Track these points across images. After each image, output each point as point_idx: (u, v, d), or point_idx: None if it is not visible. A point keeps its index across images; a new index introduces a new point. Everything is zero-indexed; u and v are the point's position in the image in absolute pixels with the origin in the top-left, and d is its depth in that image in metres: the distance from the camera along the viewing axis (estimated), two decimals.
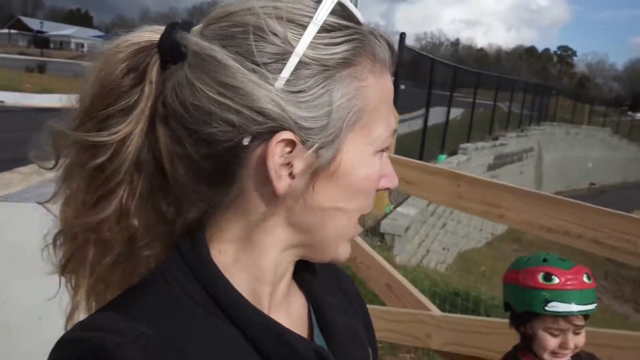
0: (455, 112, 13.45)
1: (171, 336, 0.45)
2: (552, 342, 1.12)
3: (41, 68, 24.08)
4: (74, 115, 0.50)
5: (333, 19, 0.46)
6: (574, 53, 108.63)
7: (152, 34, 0.50)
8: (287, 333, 0.49)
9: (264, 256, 0.50)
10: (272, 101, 0.44)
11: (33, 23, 65.54)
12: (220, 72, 0.44)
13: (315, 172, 0.47)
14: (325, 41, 0.45)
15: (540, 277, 1.12)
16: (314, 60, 0.45)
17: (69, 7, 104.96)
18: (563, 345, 1.12)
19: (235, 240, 0.50)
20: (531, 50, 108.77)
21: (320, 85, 0.45)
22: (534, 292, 1.11)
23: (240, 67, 0.44)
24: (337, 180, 0.48)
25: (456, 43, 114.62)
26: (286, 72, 0.44)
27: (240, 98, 0.44)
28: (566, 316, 1.10)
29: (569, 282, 1.10)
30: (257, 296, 0.50)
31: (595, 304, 1.11)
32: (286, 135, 0.45)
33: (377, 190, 0.52)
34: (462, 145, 10.85)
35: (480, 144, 11.93)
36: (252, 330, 0.48)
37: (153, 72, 0.48)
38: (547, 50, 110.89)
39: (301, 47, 0.44)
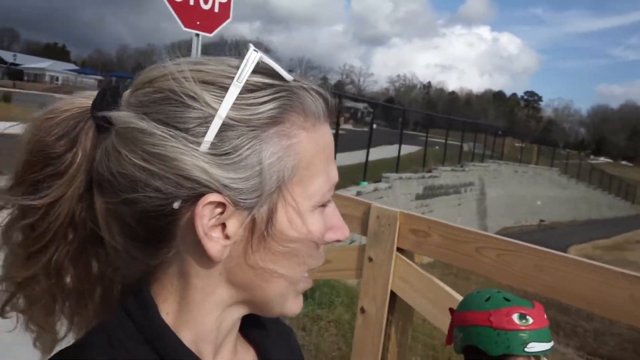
0: (410, 149, 15.25)
1: None
2: None
3: (7, 98, 24.51)
4: (10, 176, 0.50)
5: (257, 79, 0.46)
6: (539, 98, 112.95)
7: (85, 100, 0.50)
8: None
9: (206, 316, 0.50)
10: (196, 166, 0.44)
11: (6, 55, 66.03)
12: (144, 141, 0.44)
13: (251, 233, 0.47)
14: (250, 101, 0.45)
15: (516, 319, 1.08)
16: (238, 121, 0.44)
17: (46, 41, 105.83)
18: None
19: (177, 300, 0.50)
20: (499, 95, 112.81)
21: (247, 146, 0.45)
22: (512, 334, 1.07)
23: (162, 134, 0.44)
24: (273, 240, 0.47)
25: (428, 86, 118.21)
26: (210, 135, 0.44)
27: (164, 165, 0.44)
28: (537, 355, 1.09)
29: (538, 320, 1.09)
30: (201, 355, 0.50)
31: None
32: (213, 197, 0.45)
33: (326, 243, 0.51)
34: (384, 175, 11.59)
35: (407, 174, 12.70)
36: None
37: (87, 138, 0.49)
38: (514, 95, 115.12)
39: (224, 109, 0.44)
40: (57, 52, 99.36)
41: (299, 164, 0.47)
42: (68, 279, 0.52)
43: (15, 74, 59.32)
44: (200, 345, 0.50)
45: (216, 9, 3.92)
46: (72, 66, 74.16)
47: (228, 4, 3.98)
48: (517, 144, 29.00)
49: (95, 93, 0.50)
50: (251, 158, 0.45)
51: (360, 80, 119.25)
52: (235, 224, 0.46)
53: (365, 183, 10.70)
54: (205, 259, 0.47)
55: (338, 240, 0.52)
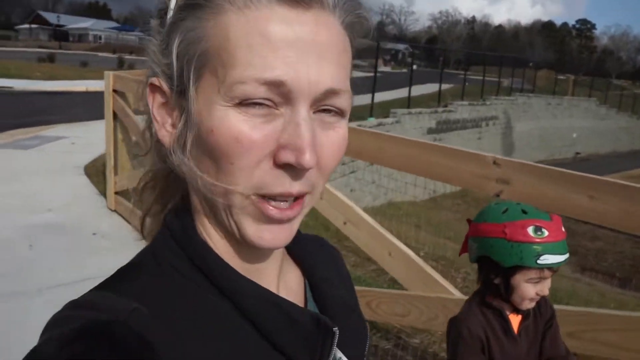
0: (443, 87, 16.25)
1: (164, 312, 0.44)
2: (532, 290, 1.15)
3: (51, 58, 26.10)
4: None
5: None
6: (593, 26, 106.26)
7: None
8: (282, 302, 0.49)
9: (213, 229, 0.50)
10: (153, 51, 0.48)
11: (51, 17, 68.22)
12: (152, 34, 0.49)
13: (184, 123, 0.45)
14: None
15: (530, 231, 1.09)
16: (177, 8, 0.45)
17: (88, 0, 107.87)
18: (540, 292, 1.16)
19: (197, 213, 0.50)
20: (548, 25, 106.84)
21: (171, 30, 0.45)
22: (525, 246, 1.09)
23: (155, 26, 0.48)
24: (193, 131, 0.44)
25: (472, 21, 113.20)
26: (164, 25, 0.47)
27: (147, 53, 0.49)
28: (550, 267, 1.11)
29: (554, 233, 1.10)
30: (241, 263, 0.50)
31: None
32: (153, 80, 0.46)
33: (278, 166, 0.43)
34: (392, 110, 12.14)
35: (417, 109, 13.16)
36: (246, 302, 0.47)
37: None
38: (565, 24, 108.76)
39: (173, 1, 0.46)
40: (99, 10, 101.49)
41: (210, 50, 0.42)
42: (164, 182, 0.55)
43: (61, 35, 61.47)
44: (233, 261, 0.49)
45: None
46: (114, 24, 75.78)
47: None
48: (553, 76, 28.25)
49: None
50: (172, 43, 0.44)
51: (401, 19, 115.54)
52: (176, 113, 0.46)
53: (372, 119, 11.31)
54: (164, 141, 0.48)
55: (289, 165, 0.43)
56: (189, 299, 0.46)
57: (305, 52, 0.42)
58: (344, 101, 0.45)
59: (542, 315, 1.27)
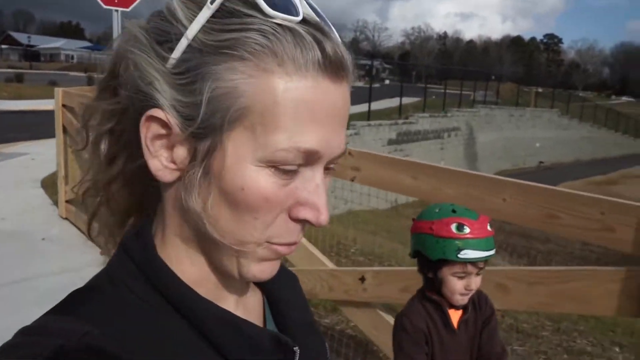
0: (410, 100, 16.88)
1: (117, 335, 0.42)
2: (459, 284, 1.26)
3: (19, 78, 26.05)
4: (96, 86, 0.52)
5: (233, 5, 0.43)
6: (559, 40, 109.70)
7: None
8: (242, 322, 0.49)
9: (192, 256, 0.49)
10: (154, 79, 0.44)
11: (22, 37, 67.73)
12: (136, 51, 0.45)
13: (195, 165, 0.44)
14: (218, 27, 0.42)
15: (453, 228, 1.20)
16: (201, 44, 0.42)
17: (60, 20, 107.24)
18: (467, 287, 1.26)
19: (164, 234, 0.50)
20: (517, 40, 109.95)
21: (200, 71, 0.42)
22: (447, 241, 1.20)
23: (146, 44, 0.45)
24: (216, 181, 0.44)
25: (444, 37, 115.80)
26: (176, 54, 0.43)
27: (139, 74, 0.45)
28: (474, 262, 1.22)
29: (477, 231, 1.20)
30: (205, 289, 0.49)
31: (494, 249, 1.23)
32: (155, 112, 0.44)
33: (294, 220, 0.46)
34: (352, 123, 12.61)
35: (377, 122, 13.67)
36: (205, 323, 0.47)
37: None
38: (533, 39, 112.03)
39: (192, 30, 0.42)
40: (71, 30, 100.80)
41: (252, 108, 0.42)
42: (127, 192, 0.53)
43: (32, 55, 61.04)
44: (197, 286, 0.48)
45: None
46: (87, 43, 75.37)
47: None
48: (516, 89, 29.25)
49: None
50: (200, 85, 0.42)
51: (374, 36, 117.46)
52: (181, 151, 0.45)
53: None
54: (167, 185, 0.47)
55: (309, 222, 0.46)
56: (144, 321, 0.45)
57: (335, 123, 0.45)
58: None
59: (481, 312, 1.37)
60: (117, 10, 4.94)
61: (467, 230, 1.20)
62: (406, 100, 17.83)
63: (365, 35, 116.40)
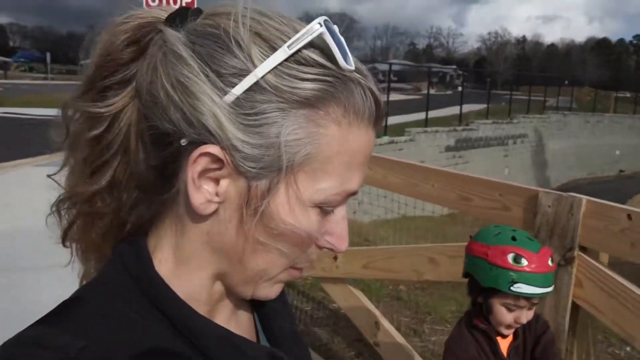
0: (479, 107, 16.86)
1: (115, 352, 0.42)
2: (508, 317, 1.20)
3: None
4: (80, 84, 0.49)
5: (310, 54, 0.43)
6: None
7: (160, 12, 0.49)
8: (239, 340, 0.49)
9: (194, 272, 0.49)
10: (212, 113, 0.42)
11: None
12: (179, 68, 0.43)
13: (244, 202, 0.45)
14: (292, 72, 0.42)
15: (509, 258, 1.13)
16: (273, 87, 0.42)
17: None
18: (517, 320, 1.21)
19: (172, 249, 0.49)
20: (603, 42, 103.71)
21: (270, 115, 0.42)
22: (502, 271, 1.14)
23: (196, 68, 0.42)
24: (264, 218, 0.45)
25: (522, 41, 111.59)
26: (239, 89, 0.42)
27: (186, 99, 0.42)
28: (527, 297, 1.15)
29: (535, 265, 1.12)
30: (199, 304, 0.49)
31: (553, 286, 1.16)
32: (212, 149, 0.43)
33: (320, 247, 0.49)
34: (407, 129, 12.77)
35: (433, 128, 13.71)
36: (203, 340, 0.46)
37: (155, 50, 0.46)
38: (621, 40, 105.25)
39: (262, 69, 0.42)
40: None
41: (316, 155, 0.44)
42: (124, 195, 0.51)
43: None
44: (192, 302, 0.48)
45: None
46: None
47: (192, 3, 5.60)
48: (593, 94, 27.88)
49: (174, 8, 0.48)
50: (269, 128, 0.42)
51: (449, 42, 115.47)
52: (229, 186, 0.45)
53: (386, 137, 11.99)
54: (194, 205, 0.45)
55: (332, 249, 0.50)
56: (141, 337, 0.44)
57: (367, 164, 0.49)
58: None
59: (533, 332, 1.32)
60: None
61: (524, 262, 1.13)
62: (473, 107, 17.69)
63: (439, 42, 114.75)
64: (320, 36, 0.43)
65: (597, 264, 1.47)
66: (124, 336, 0.44)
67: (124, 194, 0.52)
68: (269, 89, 0.42)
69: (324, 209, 0.46)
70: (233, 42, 0.43)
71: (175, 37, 0.45)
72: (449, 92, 33.71)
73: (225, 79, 0.43)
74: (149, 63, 0.46)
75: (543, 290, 1.16)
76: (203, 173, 0.44)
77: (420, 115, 14.45)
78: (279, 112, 0.43)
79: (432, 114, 14.68)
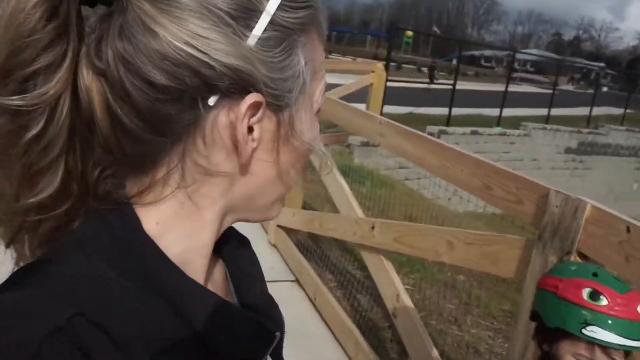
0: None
1: (105, 319, 0.38)
2: None
3: None
4: None
5: None
6: None
7: None
8: (227, 305, 0.47)
9: (205, 227, 0.47)
10: (245, 58, 0.40)
11: None
12: (190, 20, 0.39)
13: (276, 135, 0.46)
14: (291, 4, 0.44)
15: (584, 293, 0.90)
16: (281, 21, 0.43)
17: None
18: None
19: (174, 209, 0.45)
20: None
21: (287, 48, 0.44)
22: (573, 307, 0.90)
23: (213, 17, 0.40)
24: (293, 143, 0.46)
25: None
26: (258, 30, 0.41)
27: (211, 50, 0.39)
28: (605, 347, 0.88)
29: (618, 308, 0.88)
30: (194, 268, 0.46)
31: None
32: (257, 97, 0.42)
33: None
34: (523, 123, 12.06)
35: (555, 126, 12.79)
36: (189, 304, 0.43)
37: (76, 17, 0.40)
38: None
39: (271, 5, 0.42)
40: None
41: (314, 70, 0.47)
42: (75, 188, 0.43)
43: None
44: (196, 259, 0.47)
45: None
46: None
47: None
48: None
49: None
50: (291, 60, 0.44)
51: (600, 36, 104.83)
52: (264, 128, 0.44)
53: (498, 128, 11.47)
54: (219, 164, 0.44)
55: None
56: (130, 304, 0.40)
57: None
58: None
59: None
60: None
61: (603, 301, 0.90)
62: (609, 110, 16.15)
63: (589, 35, 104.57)
64: None
65: None
66: (111, 303, 0.40)
67: (75, 187, 0.44)
68: (280, 23, 0.43)
69: (318, 114, 0.51)
70: None
71: None
72: (590, 91, 30.92)
73: (242, 22, 0.41)
74: (123, 28, 0.39)
75: (625, 342, 0.87)
76: (257, 121, 0.44)
77: (544, 111, 13.58)
78: (292, 43, 0.44)
79: (558, 111, 13.69)
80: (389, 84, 8.64)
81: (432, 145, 2.14)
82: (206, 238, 0.48)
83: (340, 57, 23.08)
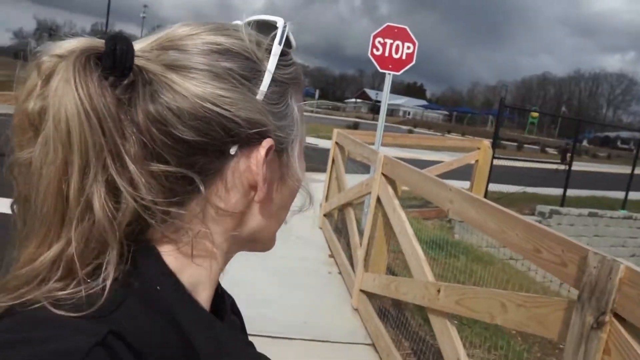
0: None
1: (131, 339, 0.42)
2: None
3: (355, 126, 31.43)
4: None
5: (282, 46, 0.52)
6: None
7: (62, 48, 0.43)
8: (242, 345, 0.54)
9: (217, 261, 0.52)
10: (259, 111, 0.48)
11: (372, 94, 79.77)
12: (211, 83, 0.46)
13: (277, 174, 0.52)
14: (282, 62, 0.52)
15: None
16: (279, 78, 0.51)
17: (407, 81, 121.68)
18: None
19: (191, 247, 0.49)
20: None
21: (285, 98, 0.52)
22: None
23: (231, 79, 0.47)
24: (288, 181, 0.53)
25: None
26: (264, 87, 0.49)
27: (234, 108, 0.47)
28: None
29: None
30: (203, 299, 0.51)
31: None
32: (271, 142, 0.49)
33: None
34: None
35: None
36: (201, 337, 0.47)
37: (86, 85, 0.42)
38: None
39: (271, 65, 0.50)
40: (415, 90, 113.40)
41: (301, 115, 0.55)
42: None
43: (377, 109, 71.58)
44: (201, 290, 0.51)
45: (403, 57, 6.17)
46: (423, 102, 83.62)
47: (412, 53, 6.17)
48: None
49: (74, 40, 0.44)
50: (290, 108, 0.52)
51: None
52: (271, 169, 0.51)
53: (623, 211, 10.56)
54: (235, 205, 0.50)
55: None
56: (148, 328, 0.44)
57: None
58: None
59: None
60: (389, 74, 6.21)
61: None
62: None
63: None
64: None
65: (625, 335, 1.41)
66: (135, 325, 0.43)
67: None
68: (278, 79, 0.51)
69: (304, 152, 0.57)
70: (247, 52, 0.49)
71: (200, 58, 0.47)
72: None
73: (252, 82, 0.49)
74: (148, 93, 0.45)
75: None
76: (267, 166, 0.50)
77: None
78: (288, 94, 0.52)
79: None
80: (509, 163, 8.44)
81: (491, 210, 2.20)
82: (216, 270, 0.53)
83: (451, 136, 22.91)
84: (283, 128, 0.51)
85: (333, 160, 6.31)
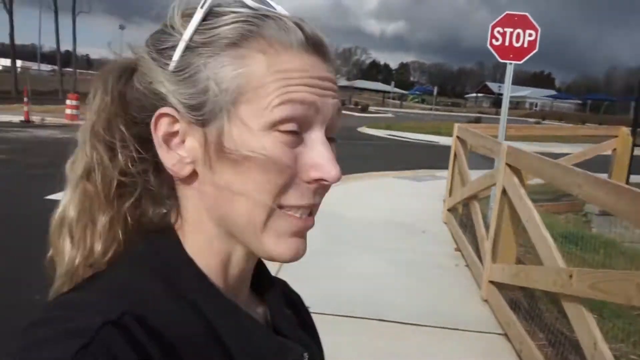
0: None
1: (147, 318, 0.44)
2: None
3: (477, 120, 30.24)
4: None
5: (224, 7, 0.49)
6: None
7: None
8: (261, 328, 0.54)
9: (208, 248, 0.53)
10: (159, 81, 0.49)
11: (494, 87, 75.83)
12: (143, 65, 0.51)
13: (206, 150, 0.49)
14: (211, 25, 0.48)
15: None
16: (199, 43, 0.48)
17: (533, 70, 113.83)
18: None
19: (191, 227, 0.53)
20: None
21: (198, 64, 0.48)
22: None
23: (147, 56, 0.51)
24: (228, 157, 0.48)
25: None
26: (175, 56, 0.49)
27: (145, 83, 0.50)
28: None
29: None
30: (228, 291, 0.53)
31: None
32: (165, 110, 0.49)
33: (308, 182, 0.50)
34: None
35: None
36: (225, 325, 0.50)
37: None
38: None
39: (188, 33, 0.48)
40: (542, 80, 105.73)
41: (247, 85, 0.47)
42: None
43: (499, 102, 67.87)
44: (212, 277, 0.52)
45: (525, 45, 5.98)
46: (552, 92, 77.71)
47: (534, 41, 5.96)
48: None
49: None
50: (200, 75, 0.48)
51: None
52: (191, 141, 0.49)
53: None
54: (173, 171, 0.50)
55: (322, 180, 0.49)
56: (165, 308, 0.47)
57: (323, 88, 0.50)
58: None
59: None
60: (511, 63, 6.06)
61: None
62: None
63: None
64: None
65: None
66: (151, 305, 0.46)
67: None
68: (196, 45, 0.48)
69: (282, 130, 0.47)
70: (169, 26, 0.50)
71: (140, 46, 0.52)
72: None
73: (165, 54, 0.50)
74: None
75: None
76: (167, 136, 0.50)
77: None
78: (206, 59, 0.48)
79: None
80: None
81: (622, 190, 2.18)
82: (215, 260, 0.53)
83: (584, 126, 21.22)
84: (191, 96, 0.48)
85: (455, 155, 6.29)
